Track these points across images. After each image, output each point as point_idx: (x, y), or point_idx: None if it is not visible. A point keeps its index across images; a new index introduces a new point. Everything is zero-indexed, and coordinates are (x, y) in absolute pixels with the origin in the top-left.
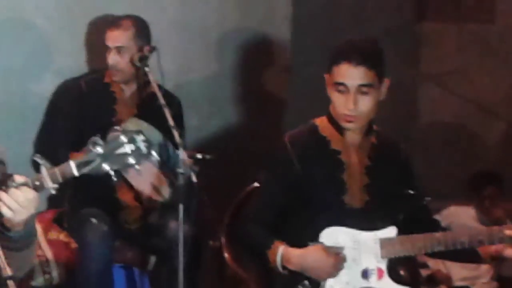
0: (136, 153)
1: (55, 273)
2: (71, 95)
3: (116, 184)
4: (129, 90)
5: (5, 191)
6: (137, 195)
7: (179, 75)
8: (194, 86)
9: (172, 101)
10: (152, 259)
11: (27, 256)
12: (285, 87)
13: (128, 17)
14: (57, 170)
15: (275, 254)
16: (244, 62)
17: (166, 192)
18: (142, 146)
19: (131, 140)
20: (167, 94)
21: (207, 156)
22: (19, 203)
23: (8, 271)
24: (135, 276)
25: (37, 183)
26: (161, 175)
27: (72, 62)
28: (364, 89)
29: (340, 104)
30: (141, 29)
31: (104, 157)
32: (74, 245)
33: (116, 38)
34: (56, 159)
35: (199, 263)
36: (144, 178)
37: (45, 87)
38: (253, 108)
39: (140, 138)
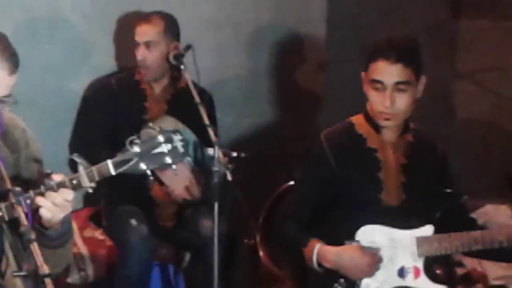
0: (173, 152)
1: (90, 270)
2: (102, 93)
3: (149, 182)
4: (159, 86)
5: (42, 192)
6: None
7: (214, 73)
8: (229, 84)
9: (204, 96)
10: (187, 256)
11: (63, 254)
12: (320, 84)
13: (157, 12)
14: (94, 169)
15: (311, 252)
16: (279, 60)
17: (196, 192)
18: (179, 146)
19: (168, 140)
20: (198, 90)
21: (242, 154)
22: (56, 204)
23: (45, 269)
24: (170, 273)
25: (75, 181)
26: (192, 174)
27: (108, 60)
28: (401, 86)
29: (377, 101)
30: (170, 25)
31: (141, 157)
32: (109, 242)
33: (145, 33)
34: (91, 158)
35: (234, 260)
36: (177, 177)
37: (81, 85)
38: (288, 106)
39: (177, 137)
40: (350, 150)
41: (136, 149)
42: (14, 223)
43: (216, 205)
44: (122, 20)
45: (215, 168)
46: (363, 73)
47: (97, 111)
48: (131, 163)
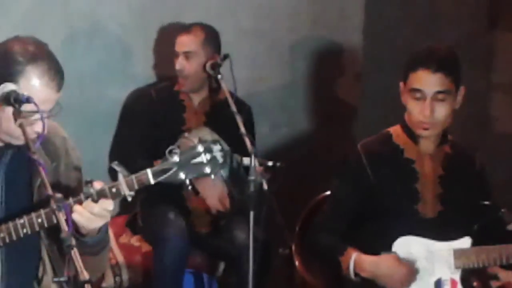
0: (212, 162)
1: (125, 276)
2: (142, 103)
3: (185, 192)
4: (198, 98)
5: (81, 200)
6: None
7: (250, 83)
8: (266, 94)
9: (243, 108)
10: (221, 265)
11: (101, 260)
12: (356, 95)
13: (198, 24)
14: (133, 177)
15: (348, 261)
16: (316, 70)
17: (228, 204)
18: (219, 156)
19: (208, 150)
20: (238, 101)
21: (278, 164)
22: (94, 213)
23: (86, 275)
24: (204, 281)
25: (114, 190)
26: (225, 187)
27: (145, 68)
28: (441, 96)
29: (416, 111)
30: (211, 37)
31: (181, 166)
32: (145, 249)
33: (185, 43)
34: (128, 167)
35: (268, 270)
36: (212, 188)
37: (117, 93)
38: (324, 116)
39: (217, 147)
40: (387, 160)
41: (176, 158)
42: (51, 229)
43: (251, 214)
44: (161, 30)
45: (251, 177)
46: (401, 83)
47: (136, 120)
48: (170, 172)
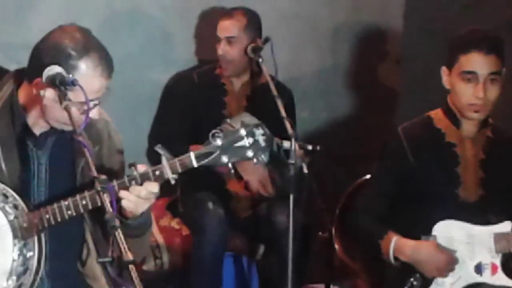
0: (255, 146)
1: (165, 259)
2: (184, 87)
3: (225, 176)
4: (239, 82)
5: (125, 183)
6: (246, 185)
7: (290, 67)
8: (306, 78)
9: (284, 92)
10: (261, 248)
11: (143, 242)
12: (397, 79)
13: (240, 8)
14: (177, 160)
15: (388, 245)
16: (356, 54)
17: (271, 189)
18: (261, 140)
19: (251, 134)
20: (279, 86)
21: (318, 147)
22: (141, 197)
23: (130, 256)
24: (244, 264)
25: (157, 173)
26: (267, 171)
27: (186, 52)
28: (493, 77)
29: (468, 93)
30: (253, 21)
31: (224, 150)
32: (185, 232)
33: (228, 28)
34: (171, 150)
35: (308, 253)
36: (254, 171)
37: (159, 76)
38: (365, 100)
39: (259, 131)
40: (428, 144)
41: (219, 142)
42: (94, 211)
43: (291, 198)
44: (202, 14)
45: (291, 161)
46: (444, 68)
47: (177, 103)
48: (213, 155)
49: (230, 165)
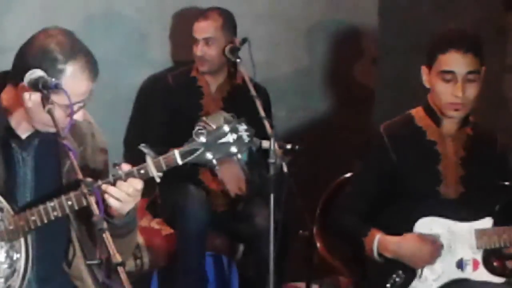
0: (239, 142)
1: (146, 259)
2: (159, 89)
3: (200, 171)
4: (215, 83)
5: (111, 182)
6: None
7: (266, 67)
8: (282, 77)
9: (260, 90)
10: (241, 247)
11: (128, 243)
12: (373, 78)
13: (215, 9)
14: (161, 158)
15: (372, 242)
16: (332, 53)
17: (244, 189)
18: (245, 135)
19: (234, 130)
20: (255, 85)
21: (297, 147)
22: (129, 194)
23: (118, 258)
24: (224, 264)
25: (142, 171)
26: (241, 170)
27: (163, 54)
28: (471, 76)
29: (447, 92)
30: (228, 21)
31: (208, 146)
32: (165, 232)
33: (204, 29)
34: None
35: (287, 252)
36: (229, 172)
37: (136, 79)
38: (341, 99)
39: (242, 127)
40: (409, 142)
41: (202, 139)
42: (79, 211)
43: (272, 197)
44: (176, 15)
45: (271, 160)
46: (424, 67)
47: (152, 106)
48: (197, 152)
49: (214, 161)
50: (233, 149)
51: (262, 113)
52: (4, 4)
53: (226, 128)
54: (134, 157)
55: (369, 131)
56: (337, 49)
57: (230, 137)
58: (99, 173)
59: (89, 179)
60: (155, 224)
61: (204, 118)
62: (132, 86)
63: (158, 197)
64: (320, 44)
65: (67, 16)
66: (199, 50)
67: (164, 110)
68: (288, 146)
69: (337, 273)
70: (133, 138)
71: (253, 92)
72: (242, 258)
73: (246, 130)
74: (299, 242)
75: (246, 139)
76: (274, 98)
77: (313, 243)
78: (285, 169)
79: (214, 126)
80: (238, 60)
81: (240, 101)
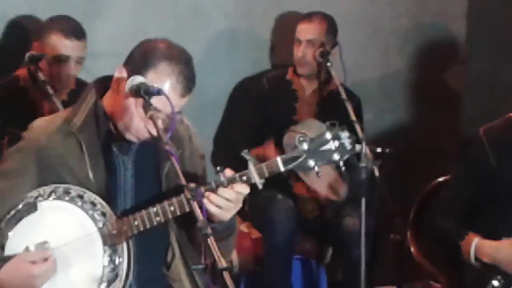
0: (341, 149)
1: (235, 262)
2: (253, 92)
3: (292, 180)
4: (310, 88)
5: (213, 188)
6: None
7: (354, 70)
8: (370, 80)
9: (353, 98)
10: (329, 251)
11: (227, 246)
12: (461, 81)
13: (319, 13)
14: (264, 165)
15: (469, 246)
16: (418, 56)
17: (343, 191)
18: (347, 142)
19: (336, 137)
20: (347, 92)
21: (387, 150)
22: (231, 200)
23: (223, 263)
24: (312, 268)
25: (244, 178)
26: (338, 175)
27: (250, 57)
28: None
29: None
30: (332, 25)
31: (310, 153)
32: (254, 235)
33: (309, 31)
34: (231, 155)
35: (378, 256)
36: (322, 179)
37: (223, 82)
38: (429, 103)
39: (344, 134)
40: (510, 145)
41: (305, 146)
42: (179, 216)
43: (363, 201)
44: (277, 18)
45: (363, 164)
46: None
47: (246, 108)
48: (299, 160)
49: (316, 168)
50: (335, 157)
51: (353, 117)
52: (94, 10)
53: (328, 135)
54: (223, 160)
55: (458, 134)
56: (425, 51)
57: (332, 144)
58: (197, 178)
59: (192, 184)
60: (244, 227)
61: (293, 127)
62: (220, 90)
63: (246, 203)
64: (408, 47)
65: (156, 21)
66: (301, 51)
67: (257, 112)
68: (379, 150)
69: (430, 277)
70: (223, 140)
71: (343, 95)
72: (330, 262)
73: (348, 137)
74: (390, 246)
75: (348, 146)
76: (362, 101)
77: (405, 247)
78: (376, 173)
79: (302, 131)
80: (328, 64)
81: (333, 107)
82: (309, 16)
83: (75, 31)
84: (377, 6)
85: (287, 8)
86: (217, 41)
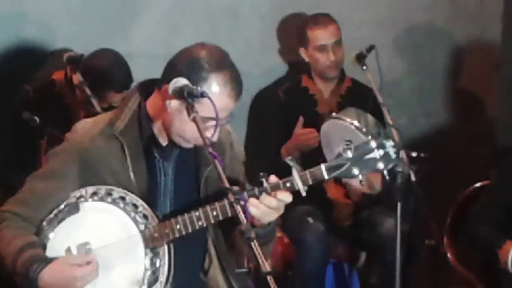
0: (385, 158)
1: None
2: (271, 106)
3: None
4: (328, 89)
5: (255, 194)
6: (347, 192)
7: (388, 73)
8: (404, 84)
9: (369, 93)
10: (363, 256)
11: (265, 251)
12: (496, 84)
13: (323, 14)
14: (308, 172)
15: (507, 254)
16: (453, 59)
17: (378, 184)
18: (391, 152)
19: (381, 146)
20: (361, 86)
21: (422, 154)
22: (272, 207)
23: (267, 267)
24: (345, 272)
25: (288, 184)
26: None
27: (282, 61)
28: None
29: None
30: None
31: (354, 162)
32: (286, 240)
33: (333, 33)
34: (271, 167)
35: (413, 261)
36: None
37: (257, 85)
38: (462, 106)
39: (389, 143)
40: None
41: (349, 154)
42: (218, 222)
43: (399, 206)
44: (286, 22)
45: (399, 169)
46: None
47: (267, 123)
48: (344, 168)
49: (360, 177)
50: (380, 165)
51: (390, 121)
52: (130, 12)
53: (373, 144)
54: (252, 169)
55: (492, 139)
56: (459, 55)
57: (377, 153)
58: (237, 184)
59: (235, 188)
60: (277, 232)
61: (334, 114)
62: (252, 92)
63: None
64: (442, 50)
65: (191, 23)
66: (332, 55)
67: (279, 126)
68: (414, 154)
69: (466, 284)
70: (252, 151)
71: (380, 99)
72: (363, 266)
73: (393, 146)
74: (425, 251)
75: (392, 155)
76: (395, 105)
77: (441, 253)
78: (412, 177)
79: (348, 119)
80: (364, 68)
81: (352, 103)
82: (318, 20)
83: None
84: (412, 9)
85: (321, 11)
86: (250, 44)
